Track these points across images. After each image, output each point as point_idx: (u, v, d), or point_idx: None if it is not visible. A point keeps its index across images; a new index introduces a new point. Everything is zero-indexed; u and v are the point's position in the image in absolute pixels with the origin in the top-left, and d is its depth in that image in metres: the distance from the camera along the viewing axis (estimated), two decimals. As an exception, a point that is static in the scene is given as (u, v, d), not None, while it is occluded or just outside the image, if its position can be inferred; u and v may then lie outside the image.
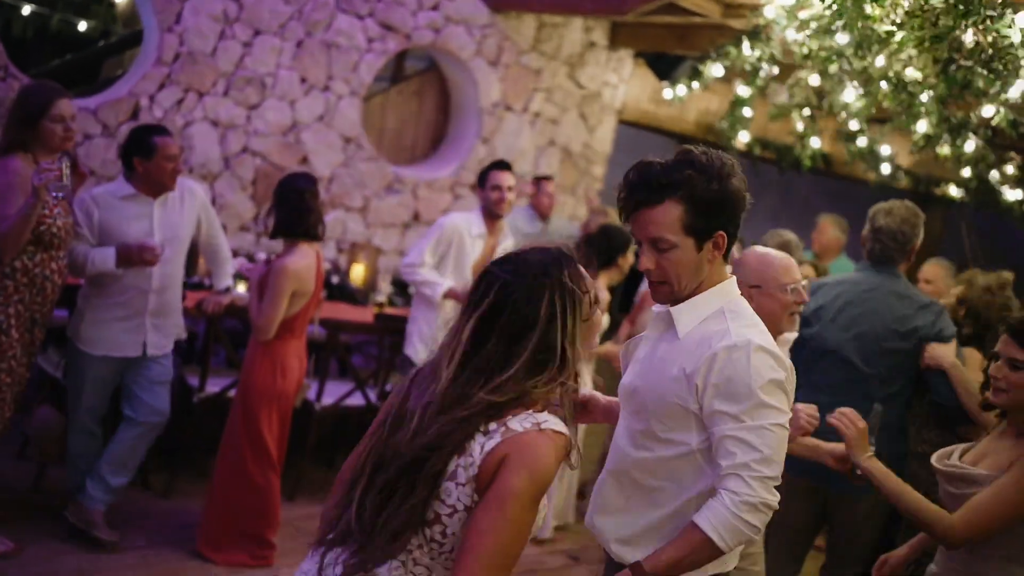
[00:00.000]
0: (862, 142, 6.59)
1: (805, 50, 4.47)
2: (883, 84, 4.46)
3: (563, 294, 1.79)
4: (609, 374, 5.31)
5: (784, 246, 4.47)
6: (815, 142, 6.61)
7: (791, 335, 3.06)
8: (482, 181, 5.13)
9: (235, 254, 5.47)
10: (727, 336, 2.13)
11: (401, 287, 6.50)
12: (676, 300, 2.23)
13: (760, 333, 2.18)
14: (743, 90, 6.17)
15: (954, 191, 7.87)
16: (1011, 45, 3.34)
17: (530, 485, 1.70)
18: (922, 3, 3.37)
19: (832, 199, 9.75)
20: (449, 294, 4.93)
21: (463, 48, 6.90)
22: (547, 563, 4.88)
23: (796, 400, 2.66)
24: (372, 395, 5.29)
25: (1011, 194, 6.50)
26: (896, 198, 3.90)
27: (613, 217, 6.13)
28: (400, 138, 7.25)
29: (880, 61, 4.28)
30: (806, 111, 6.11)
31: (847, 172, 8.46)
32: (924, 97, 4.43)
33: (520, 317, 1.77)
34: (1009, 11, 3.30)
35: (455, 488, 1.73)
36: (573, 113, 7.61)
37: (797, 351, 3.48)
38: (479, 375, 1.76)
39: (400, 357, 5.25)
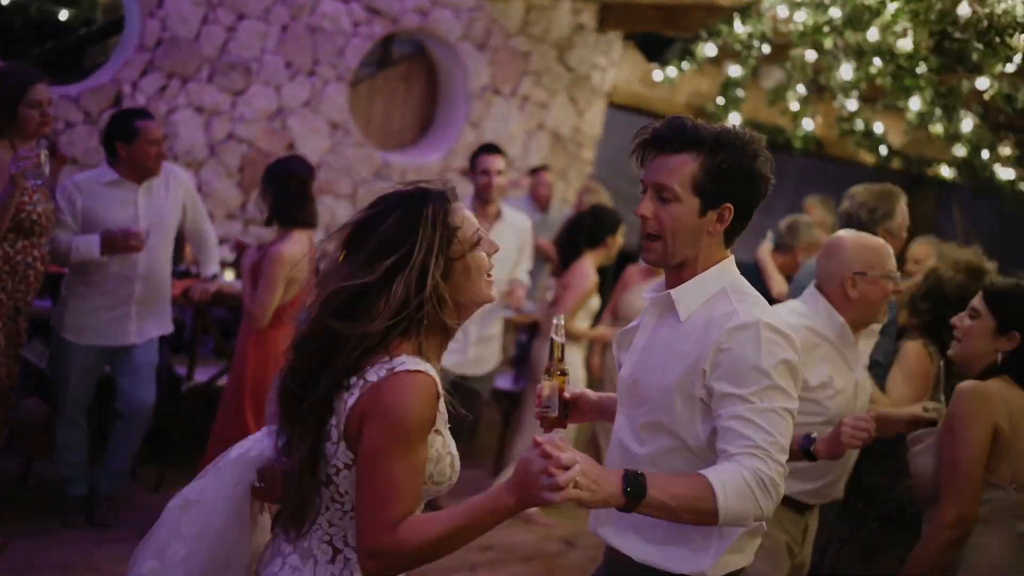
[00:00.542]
0: (859, 125, 6.54)
1: (801, 27, 4.42)
2: (876, 60, 4.42)
3: (421, 226, 1.76)
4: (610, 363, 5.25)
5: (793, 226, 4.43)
6: (808, 123, 6.55)
7: (877, 325, 2.95)
8: (472, 165, 5.07)
9: (221, 242, 5.39)
10: (735, 316, 2.01)
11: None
12: (665, 264, 2.12)
13: (769, 312, 2.06)
14: (734, 70, 6.11)
15: (946, 171, 7.83)
16: (1005, 13, 3.29)
17: (391, 437, 1.67)
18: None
19: (823, 183, 9.72)
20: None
21: (450, 32, 6.82)
22: (544, 549, 4.86)
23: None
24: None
25: (1003, 173, 6.46)
26: (889, 180, 3.84)
27: (604, 196, 6.08)
28: (388, 124, 7.17)
29: (874, 35, 4.23)
30: (800, 88, 6.04)
31: (839, 154, 8.41)
32: (918, 71, 4.39)
33: (380, 242, 1.75)
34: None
35: (332, 447, 1.74)
36: (562, 96, 7.54)
37: None
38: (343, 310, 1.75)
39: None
